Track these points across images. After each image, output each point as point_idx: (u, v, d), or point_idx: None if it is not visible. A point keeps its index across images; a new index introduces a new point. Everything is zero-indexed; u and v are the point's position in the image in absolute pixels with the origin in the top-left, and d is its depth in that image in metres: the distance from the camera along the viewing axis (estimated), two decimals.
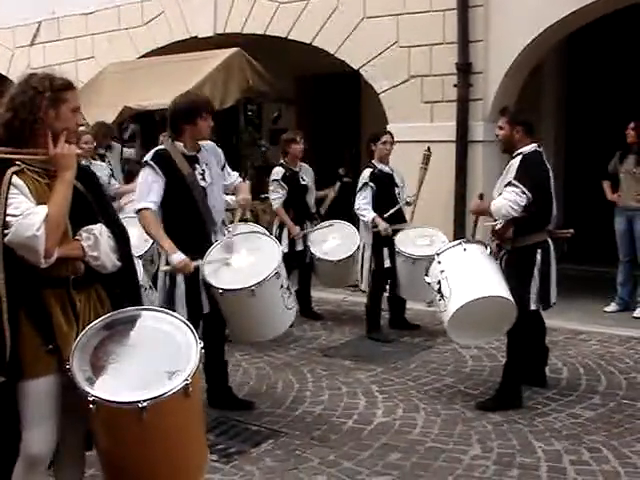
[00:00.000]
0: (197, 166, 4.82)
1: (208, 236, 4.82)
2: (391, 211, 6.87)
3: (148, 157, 4.79)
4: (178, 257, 4.52)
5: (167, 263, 4.66)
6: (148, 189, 4.67)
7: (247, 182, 5.59)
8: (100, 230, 3.03)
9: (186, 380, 2.89)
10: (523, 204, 4.92)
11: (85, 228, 3.00)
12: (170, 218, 4.75)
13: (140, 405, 2.78)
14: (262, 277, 4.60)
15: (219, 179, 4.98)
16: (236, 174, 5.23)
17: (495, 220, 5.14)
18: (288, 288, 4.86)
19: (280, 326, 4.94)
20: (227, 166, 5.14)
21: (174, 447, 3.03)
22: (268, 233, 5.15)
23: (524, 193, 4.92)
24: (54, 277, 2.92)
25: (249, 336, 5.15)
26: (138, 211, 4.68)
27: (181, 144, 4.81)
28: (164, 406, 2.85)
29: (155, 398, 2.82)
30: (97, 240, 3.00)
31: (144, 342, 3.05)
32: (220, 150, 5.13)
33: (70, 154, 2.98)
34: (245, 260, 4.78)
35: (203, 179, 4.83)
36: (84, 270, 3.02)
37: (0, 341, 2.82)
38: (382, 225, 6.83)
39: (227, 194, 5.28)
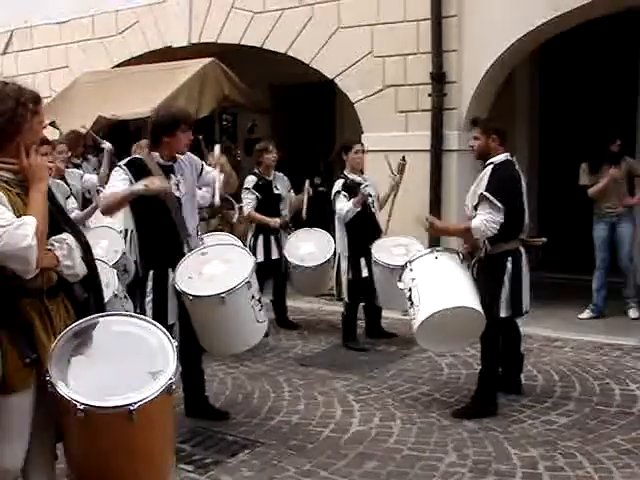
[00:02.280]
0: (172, 176, 4.85)
1: (181, 246, 4.84)
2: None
3: (122, 162, 4.85)
4: (139, 184, 4.54)
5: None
6: (116, 186, 4.70)
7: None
8: (71, 239, 3.03)
9: (171, 379, 2.94)
10: (502, 221, 4.97)
11: (55, 238, 3.00)
12: (144, 227, 4.80)
13: (131, 408, 2.81)
14: (232, 285, 4.60)
15: (193, 190, 5.02)
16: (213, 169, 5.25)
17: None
18: (259, 301, 4.84)
19: (250, 339, 4.92)
20: (204, 165, 5.20)
21: (156, 448, 3.09)
22: (241, 245, 5.14)
23: (499, 208, 4.96)
24: (30, 288, 2.90)
25: (219, 348, 5.09)
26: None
27: (157, 154, 4.84)
28: (151, 407, 2.88)
29: (145, 399, 2.85)
30: (71, 249, 3.00)
31: (118, 346, 3.06)
32: (195, 157, 5.17)
33: (44, 166, 3.00)
34: (217, 269, 4.78)
35: (178, 189, 4.86)
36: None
37: None
38: (358, 198, 6.77)
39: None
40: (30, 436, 2.99)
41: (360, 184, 7.00)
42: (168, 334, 3.11)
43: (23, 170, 2.94)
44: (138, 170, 4.74)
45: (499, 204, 4.96)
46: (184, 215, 4.87)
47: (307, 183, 7.98)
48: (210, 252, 4.87)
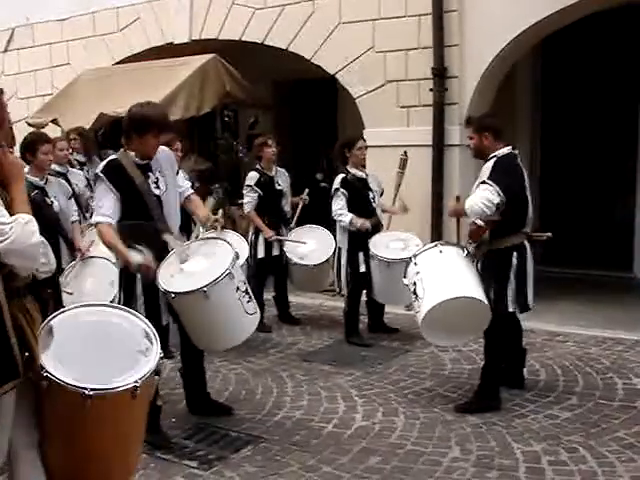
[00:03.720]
0: (150, 174, 4.74)
1: (164, 244, 4.74)
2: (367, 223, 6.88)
3: (99, 169, 4.73)
4: (137, 256, 4.43)
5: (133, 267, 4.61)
6: (102, 203, 4.63)
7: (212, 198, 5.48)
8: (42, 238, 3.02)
9: (160, 353, 3.10)
10: (496, 202, 4.91)
11: None
12: (125, 227, 4.66)
13: (137, 385, 2.93)
14: (213, 278, 4.52)
15: (174, 186, 4.91)
16: (188, 184, 5.14)
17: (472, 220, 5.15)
18: (247, 292, 4.74)
19: (241, 333, 4.81)
20: (180, 173, 5.07)
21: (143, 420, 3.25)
22: (228, 239, 5.05)
23: (497, 192, 4.93)
24: (14, 287, 2.87)
25: (212, 344, 4.99)
26: (95, 224, 4.68)
27: (133, 153, 4.73)
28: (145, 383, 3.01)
29: (147, 374, 2.99)
30: (45, 245, 2.98)
31: (95, 334, 3.12)
32: (174, 157, 5.07)
33: (20, 164, 3.01)
34: (199, 265, 4.70)
35: (157, 187, 4.75)
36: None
37: (5, 346, 2.78)
38: (360, 222, 6.83)
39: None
40: (17, 434, 2.99)
41: (362, 180, 7.02)
42: (137, 313, 3.23)
43: (3, 168, 2.90)
44: (116, 172, 4.64)
45: (496, 186, 4.92)
46: (165, 213, 4.77)
47: (306, 192, 7.98)
48: (193, 249, 4.78)
